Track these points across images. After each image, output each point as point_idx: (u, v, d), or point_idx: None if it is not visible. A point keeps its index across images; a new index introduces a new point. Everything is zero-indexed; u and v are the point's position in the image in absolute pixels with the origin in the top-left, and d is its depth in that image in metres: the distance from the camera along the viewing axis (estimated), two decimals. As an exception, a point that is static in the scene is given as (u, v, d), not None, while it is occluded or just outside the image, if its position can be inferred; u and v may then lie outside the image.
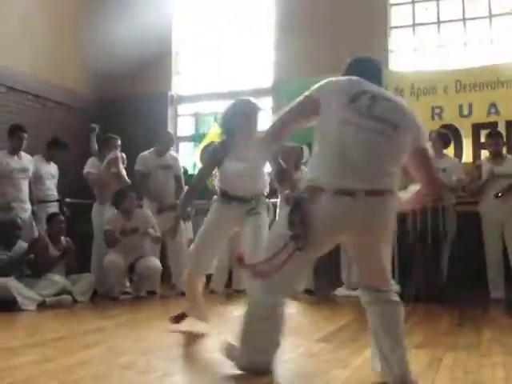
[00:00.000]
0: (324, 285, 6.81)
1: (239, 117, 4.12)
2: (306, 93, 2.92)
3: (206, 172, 4.36)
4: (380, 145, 2.72)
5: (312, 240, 2.65)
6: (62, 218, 6.40)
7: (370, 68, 3.10)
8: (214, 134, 8.40)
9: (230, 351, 2.99)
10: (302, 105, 2.92)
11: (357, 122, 2.72)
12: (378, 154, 2.71)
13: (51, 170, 6.99)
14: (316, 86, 2.91)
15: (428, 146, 3.01)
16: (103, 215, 6.58)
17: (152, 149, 6.86)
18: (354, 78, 2.93)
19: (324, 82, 2.92)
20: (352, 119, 2.73)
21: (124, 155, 7.04)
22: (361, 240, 2.75)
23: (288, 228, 2.68)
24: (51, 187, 6.93)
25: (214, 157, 4.20)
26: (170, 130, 8.63)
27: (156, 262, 6.45)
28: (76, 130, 8.62)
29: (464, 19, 7.88)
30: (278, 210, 6.13)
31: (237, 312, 5.44)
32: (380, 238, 2.73)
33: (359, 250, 2.81)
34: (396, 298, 2.83)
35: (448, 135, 6.66)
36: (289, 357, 3.38)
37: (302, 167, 7.04)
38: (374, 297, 2.83)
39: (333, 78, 2.94)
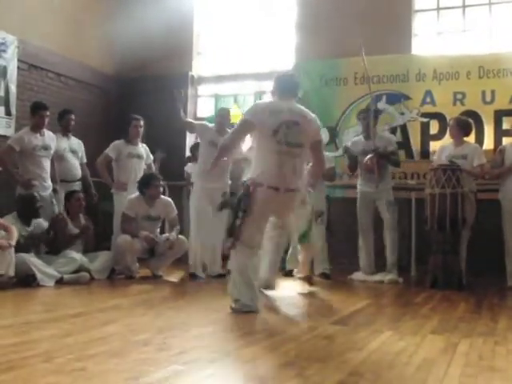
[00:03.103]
0: (340, 269, 6.81)
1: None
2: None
3: None
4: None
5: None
6: (82, 195, 6.44)
7: (289, 85, 4.49)
8: (233, 115, 8.39)
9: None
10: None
11: (278, 149, 4.23)
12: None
13: (71, 144, 6.91)
14: (249, 111, 4.45)
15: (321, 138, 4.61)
16: (123, 194, 6.63)
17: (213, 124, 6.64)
18: (275, 103, 4.41)
19: (255, 108, 4.43)
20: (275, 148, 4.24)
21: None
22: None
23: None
24: (73, 164, 6.87)
25: None
26: (190, 110, 8.67)
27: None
28: (97, 109, 8.68)
29: (490, 3, 7.76)
30: None
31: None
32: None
33: None
34: None
35: (468, 122, 6.56)
36: (304, 338, 3.40)
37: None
38: None
39: (261, 104, 4.56)
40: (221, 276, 6.15)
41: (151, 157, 7.10)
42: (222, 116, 6.56)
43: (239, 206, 4.26)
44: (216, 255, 6.41)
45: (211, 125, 6.54)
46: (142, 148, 6.95)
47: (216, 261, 6.40)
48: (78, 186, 6.85)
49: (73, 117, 6.92)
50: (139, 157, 6.87)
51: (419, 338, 3.44)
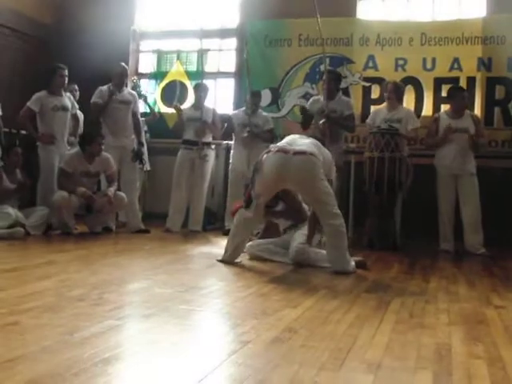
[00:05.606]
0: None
1: None
2: None
3: None
4: None
5: None
6: (20, 150, 6.25)
7: None
8: (176, 72, 8.27)
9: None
10: None
11: None
12: None
13: None
14: None
15: None
16: (50, 148, 6.45)
17: (110, 84, 6.78)
18: None
19: None
20: None
21: (76, 86, 7.09)
22: None
23: None
24: None
25: None
26: (132, 65, 8.48)
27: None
28: (32, 59, 8.35)
29: (434, -28, 7.84)
30: None
31: (192, 251, 5.49)
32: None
33: None
34: None
35: (403, 87, 6.77)
36: (239, 296, 3.43)
37: (260, 111, 7.07)
38: None
39: None
40: None
41: (76, 106, 6.91)
42: (201, 91, 7.06)
43: None
44: None
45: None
46: (67, 98, 6.69)
47: None
48: None
49: None
50: (64, 109, 6.58)
51: (353, 296, 3.53)
